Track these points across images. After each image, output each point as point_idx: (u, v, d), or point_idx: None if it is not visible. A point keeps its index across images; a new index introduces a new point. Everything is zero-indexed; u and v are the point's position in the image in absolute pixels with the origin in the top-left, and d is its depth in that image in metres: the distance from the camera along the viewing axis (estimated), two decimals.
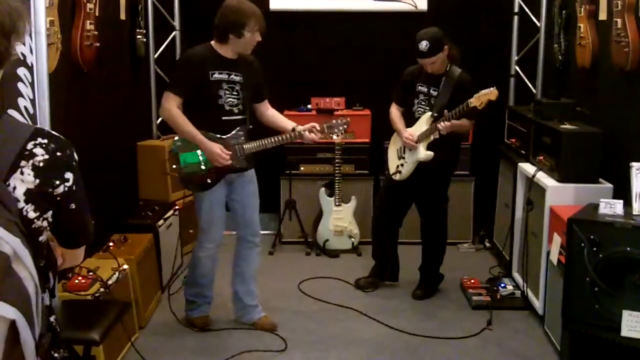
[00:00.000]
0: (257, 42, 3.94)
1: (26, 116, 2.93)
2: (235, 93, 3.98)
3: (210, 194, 4.04)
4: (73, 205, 1.68)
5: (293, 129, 4.07)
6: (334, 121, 4.17)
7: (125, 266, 4.01)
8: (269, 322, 4.28)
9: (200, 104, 3.94)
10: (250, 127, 4.12)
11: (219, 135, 3.96)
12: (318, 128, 4.05)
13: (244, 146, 4.01)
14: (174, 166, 4.04)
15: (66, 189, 1.64)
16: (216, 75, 3.92)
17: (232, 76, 3.96)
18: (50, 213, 1.63)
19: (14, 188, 1.54)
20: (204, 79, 3.89)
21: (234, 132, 3.99)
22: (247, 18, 3.83)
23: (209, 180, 4.00)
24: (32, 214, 1.58)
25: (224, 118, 3.97)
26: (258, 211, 4.27)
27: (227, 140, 3.97)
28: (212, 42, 3.97)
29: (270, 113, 4.22)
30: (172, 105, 3.89)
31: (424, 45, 4.34)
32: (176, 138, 4.05)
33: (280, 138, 4.06)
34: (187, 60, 4.04)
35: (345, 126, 4.16)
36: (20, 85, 2.89)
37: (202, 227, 4.16)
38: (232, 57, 3.96)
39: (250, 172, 4.17)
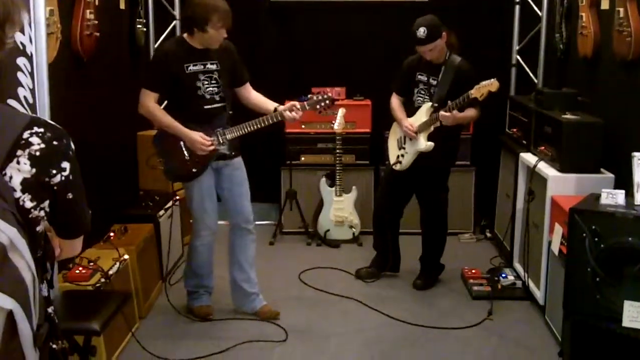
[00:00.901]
0: (225, 37, 3.93)
1: (26, 106, 2.92)
2: (214, 82, 3.99)
3: (199, 183, 4.06)
4: (70, 195, 1.67)
5: (275, 110, 4.07)
6: (313, 97, 4.14)
7: (126, 256, 4.01)
8: (271, 311, 4.28)
9: (181, 98, 3.97)
10: (230, 112, 4.12)
11: (199, 125, 3.97)
12: (298, 106, 4.04)
13: (226, 132, 4.02)
14: (159, 160, 4.09)
15: (63, 178, 1.63)
16: (191, 68, 3.93)
17: (208, 65, 3.97)
18: (47, 203, 1.62)
19: (10, 177, 1.53)
20: (180, 73, 3.91)
21: (214, 121, 4.01)
22: (211, 14, 3.80)
23: (194, 170, 4.02)
24: (28, 204, 1.57)
25: (206, 107, 3.99)
26: (249, 198, 4.26)
27: (208, 129, 3.99)
28: (185, 35, 3.98)
29: (253, 96, 4.21)
30: (148, 100, 3.93)
31: (421, 32, 4.32)
32: (156, 132, 4.09)
33: (261, 120, 4.04)
34: (158, 58, 4.08)
35: (327, 101, 4.12)
36: (19, 75, 2.88)
37: (196, 217, 4.18)
38: (203, 47, 3.96)
39: (237, 159, 4.17)
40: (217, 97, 4.01)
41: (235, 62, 4.13)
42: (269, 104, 4.15)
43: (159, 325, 4.22)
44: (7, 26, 1.57)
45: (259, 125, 4.04)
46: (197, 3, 3.84)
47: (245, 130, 4.04)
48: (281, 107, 4.06)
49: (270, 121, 4.06)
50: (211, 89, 3.98)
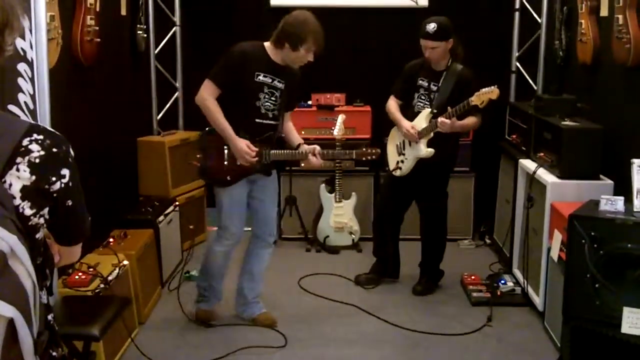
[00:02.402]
0: (310, 61, 3.96)
1: (26, 112, 2.92)
2: (274, 99, 3.98)
3: (232, 191, 4.05)
4: (70, 202, 1.66)
5: (298, 146, 4.11)
6: (337, 151, 4.29)
7: (126, 262, 4.00)
8: (269, 318, 4.28)
9: (238, 101, 3.93)
10: (282, 135, 4.15)
11: (248, 136, 3.95)
12: (317, 152, 4.05)
13: (271, 152, 4.02)
14: (198, 155, 4.07)
15: (62, 185, 1.62)
16: (261, 78, 3.91)
17: (276, 82, 3.96)
18: (46, 210, 1.61)
19: (10, 185, 1.53)
20: (248, 77, 3.88)
21: (266, 135, 3.99)
22: (309, 36, 3.82)
23: (228, 178, 4.01)
24: (28, 211, 1.56)
25: (257, 120, 3.96)
26: (276, 211, 4.29)
27: (257, 143, 3.97)
28: (266, 44, 3.96)
29: (287, 125, 4.22)
30: (209, 95, 3.89)
31: (431, 27, 4.33)
32: (207, 129, 4.05)
33: (301, 153, 4.07)
34: (237, 55, 3.92)
35: (373, 156, 4.21)
36: (20, 80, 2.88)
37: (222, 224, 4.15)
38: (281, 63, 3.96)
39: (273, 172, 4.18)
40: (270, 114, 3.99)
41: (295, 90, 4.15)
42: (295, 138, 4.17)
43: (158, 330, 4.21)
44: (6, 32, 1.57)
45: (299, 156, 4.10)
46: (298, 21, 3.85)
47: (289, 156, 4.10)
48: (304, 147, 4.08)
49: (297, 158, 4.13)
50: (269, 104, 3.96)
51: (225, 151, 3.98)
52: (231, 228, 4.13)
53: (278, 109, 4.02)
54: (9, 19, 1.57)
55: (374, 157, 4.22)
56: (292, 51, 3.87)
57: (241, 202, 4.11)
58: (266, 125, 3.99)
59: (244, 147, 3.90)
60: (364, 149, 4.22)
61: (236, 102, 3.92)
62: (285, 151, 4.08)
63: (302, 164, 4.12)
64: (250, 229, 4.31)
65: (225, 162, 3.99)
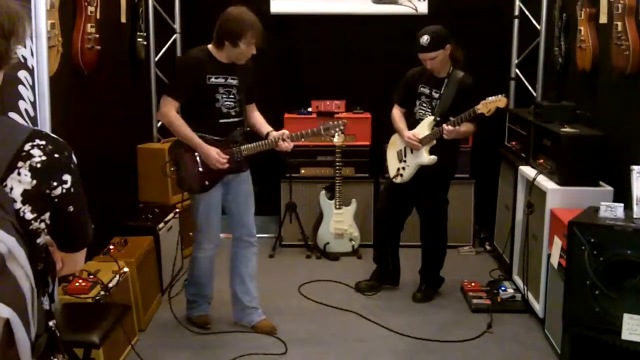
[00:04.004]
0: (254, 54, 3.97)
1: (27, 119, 2.93)
2: (232, 96, 4.01)
3: (207, 196, 4.07)
4: (71, 208, 1.67)
5: (267, 134, 4.11)
6: (305, 131, 4.16)
7: (126, 269, 4.01)
8: (269, 325, 4.28)
9: (198, 108, 3.97)
10: (248, 129, 4.16)
11: (217, 138, 3.99)
12: (286, 136, 4.05)
13: (242, 148, 4.04)
14: (173, 168, 4.09)
15: (64, 191, 1.63)
16: (213, 80, 3.95)
17: (229, 80, 4.00)
18: (47, 215, 1.62)
19: (11, 189, 1.54)
20: (201, 83, 3.92)
21: (231, 134, 4.03)
22: (245, 30, 3.85)
23: (206, 183, 4.03)
24: (29, 215, 1.57)
25: (221, 121, 4.00)
26: (253, 211, 4.29)
27: (225, 143, 4.00)
28: (209, 46, 4.00)
29: (253, 115, 4.25)
30: (169, 109, 3.93)
31: (424, 39, 4.34)
32: (174, 141, 4.09)
33: (271, 141, 4.07)
34: (184, 65, 4.05)
35: (339, 128, 4.17)
36: (21, 88, 2.90)
37: (200, 229, 4.18)
38: (228, 61, 3.98)
39: (246, 173, 4.20)
40: (233, 112, 4.03)
41: (253, 81, 4.16)
42: (264, 127, 4.18)
43: (158, 338, 4.21)
44: (12, 40, 1.59)
45: (269, 145, 4.08)
46: (233, 18, 3.88)
47: (260, 147, 4.07)
48: (273, 134, 4.09)
49: (268, 147, 4.09)
50: (229, 103, 4.00)
51: (197, 158, 4.00)
52: (209, 232, 4.17)
53: (239, 105, 4.06)
54: (15, 27, 1.58)
55: (342, 127, 4.19)
56: (233, 48, 3.90)
57: (217, 206, 4.15)
58: (231, 123, 4.03)
59: (214, 154, 3.94)
60: (331, 122, 4.18)
61: (198, 109, 3.97)
62: (255, 144, 4.07)
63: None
64: (230, 235, 4.33)
65: (200, 169, 4.02)
